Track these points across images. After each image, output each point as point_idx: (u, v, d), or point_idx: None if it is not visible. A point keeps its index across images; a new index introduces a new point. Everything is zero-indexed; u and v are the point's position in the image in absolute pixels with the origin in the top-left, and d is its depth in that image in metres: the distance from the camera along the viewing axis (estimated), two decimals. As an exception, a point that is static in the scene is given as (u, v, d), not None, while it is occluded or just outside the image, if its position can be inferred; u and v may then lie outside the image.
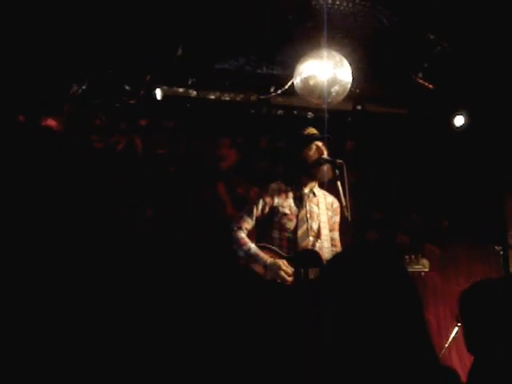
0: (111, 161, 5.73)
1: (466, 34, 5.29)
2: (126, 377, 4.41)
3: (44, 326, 4.41)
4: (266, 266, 4.19)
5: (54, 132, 5.46)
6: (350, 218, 4.16)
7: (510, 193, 6.50)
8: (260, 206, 4.42)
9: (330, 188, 4.49)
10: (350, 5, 4.91)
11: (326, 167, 4.37)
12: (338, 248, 4.54)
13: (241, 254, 4.30)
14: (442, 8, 4.93)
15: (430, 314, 5.88)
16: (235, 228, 4.38)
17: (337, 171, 4.28)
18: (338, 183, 4.24)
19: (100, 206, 5.25)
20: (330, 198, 4.60)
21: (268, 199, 4.42)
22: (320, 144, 4.45)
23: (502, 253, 5.71)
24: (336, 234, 4.59)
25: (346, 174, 4.23)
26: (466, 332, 2.45)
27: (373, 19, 5.15)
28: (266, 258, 4.22)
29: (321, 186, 4.61)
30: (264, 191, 4.48)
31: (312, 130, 4.57)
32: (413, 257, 4.65)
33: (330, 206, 4.57)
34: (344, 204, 4.20)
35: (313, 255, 4.28)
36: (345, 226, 4.42)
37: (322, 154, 4.39)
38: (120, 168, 5.74)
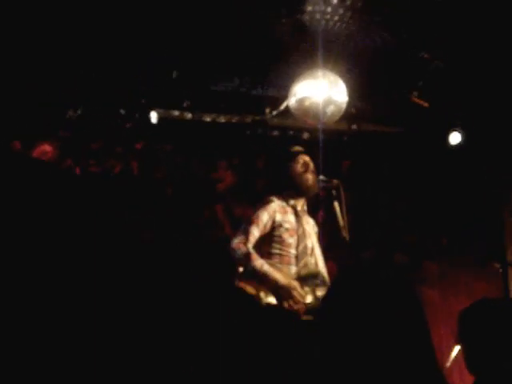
0: (108, 184, 5.72)
1: (460, 52, 5.31)
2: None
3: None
4: (278, 285, 3.98)
5: (50, 157, 5.46)
6: (347, 238, 4.11)
7: (509, 209, 6.50)
8: (265, 220, 4.21)
9: (327, 208, 4.46)
10: (344, 25, 4.94)
11: (310, 178, 4.28)
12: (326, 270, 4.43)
13: (250, 269, 4.05)
14: (436, 27, 4.96)
15: (431, 332, 5.84)
16: (243, 241, 4.16)
17: (333, 191, 4.24)
18: (335, 203, 4.19)
19: (97, 230, 5.23)
20: (312, 221, 4.51)
21: (272, 213, 4.27)
22: (307, 158, 4.37)
23: (501, 270, 5.69)
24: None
25: (342, 194, 4.20)
26: (465, 352, 2.43)
27: (367, 39, 5.18)
28: (280, 276, 3.99)
29: (315, 204, 4.53)
30: (267, 205, 4.34)
31: (297, 148, 4.49)
32: None
33: (313, 228, 4.49)
34: (342, 224, 4.14)
35: (317, 275, 4.20)
36: (343, 247, 4.38)
37: (308, 168, 4.30)
38: (117, 191, 5.73)
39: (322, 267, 4.27)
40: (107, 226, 5.25)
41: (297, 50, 5.15)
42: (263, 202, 4.32)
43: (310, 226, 4.40)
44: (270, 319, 3.98)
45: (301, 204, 4.40)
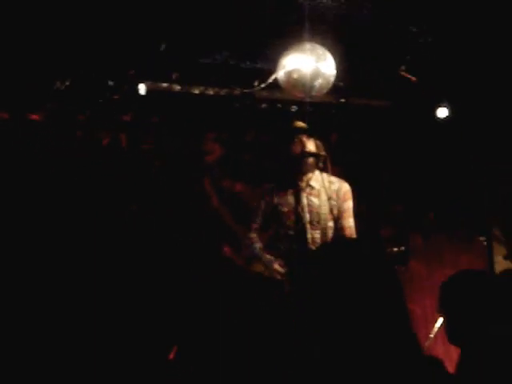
0: (96, 156, 5.72)
1: (449, 26, 5.31)
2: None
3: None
4: (266, 265, 4.30)
5: (38, 126, 5.44)
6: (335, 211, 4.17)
7: (495, 184, 6.54)
8: (263, 207, 4.47)
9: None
10: (333, -1, 4.93)
11: (309, 160, 4.34)
12: (353, 235, 4.43)
13: (253, 251, 4.44)
14: (425, 1, 4.95)
15: (416, 305, 5.92)
16: (249, 236, 4.53)
17: (321, 164, 4.27)
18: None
19: (85, 202, 5.24)
20: (336, 185, 4.49)
21: (268, 199, 4.45)
22: (304, 138, 4.41)
23: (486, 244, 5.75)
24: (348, 222, 4.49)
25: (330, 167, 4.23)
26: (446, 322, 2.47)
27: (356, 12, 5.16)
28: (267, 257, 4.33)
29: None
30: (263, 191, 4.53)
31: (299, 124, 4.53)
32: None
33: (335, 194, 4.47)
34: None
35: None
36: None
37: (305, 147, 4.34)
38: (105, 163, 5.73)
39: (330, 238, 4.35)
40: (96, 198, 5.26)
41: (285, 23, 5.13)
42: (262, 187, 4.50)
43: (324, 196, 4.41)
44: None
45: (305, 180, 4.43)
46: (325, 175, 4.41)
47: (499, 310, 2.31)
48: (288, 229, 4.36)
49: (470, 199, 6.44)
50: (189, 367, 4.61)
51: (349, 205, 4.47)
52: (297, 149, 4.36)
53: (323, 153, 4.28)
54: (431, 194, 6.60)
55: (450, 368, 1.99)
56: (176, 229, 5.65)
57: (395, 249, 4.77)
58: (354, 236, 4.38)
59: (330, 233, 4.38)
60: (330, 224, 4.40)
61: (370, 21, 5.20)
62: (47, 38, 5.03)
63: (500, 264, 5.98)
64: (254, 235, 4.47)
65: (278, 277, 4.19)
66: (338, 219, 4.39)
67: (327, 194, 4.41)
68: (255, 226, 4.49)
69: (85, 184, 5.43)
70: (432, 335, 4.84)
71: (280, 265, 4.22)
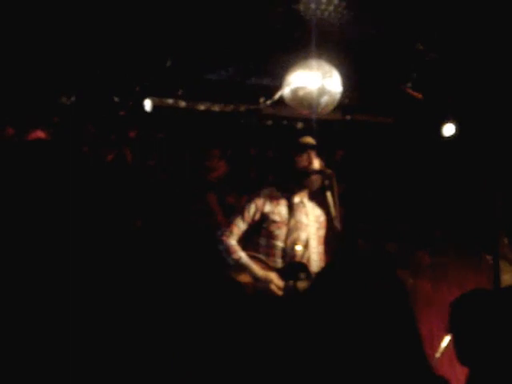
0: (101, 172, 5.71)
1: (454, 43, 5.32)
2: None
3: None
4: (256, 277, 4.09)
5: (43, 143, 5.44)
6: (340, 228, 4.12)
7: (501, 203, 6.51)
8: (252, 211, 4.27)
9: (320, 197, 4.46)
10: (339, 16, 4.93)
11: (314, 177, 4.31)
12: (323, 263, 4.47)
13: (230, 262, 4.17)
14: (431, 18, 4.95)
15: (423, 323, 5.86)
16: (226, 233, 4.19)
17: (326, 181, 4.24)
18: (328, 193, 4.19)
19: (89, 217, 5.22)
20: (318, 211, 4.51)
21: (260, 205, 4.28)
22: (312, 153, 4.38)
23: (492, 262, 5.71)
24: (321, 248, 4.53)
25: (335, 184, 4.20)
26: (455, 342, 2.44)
27: (362, 29, 5.17)
28: (258, 269, 4.13)
29: (311, 195, 4.55)
30: (256, 196, 4.35)
31: (307, 139, 4.50)
32: None
33: (317, 219, 4.50)
34: (334, 214, 4.15)
35: (302, 267, 4.22)
36: (335, 237, 4.38)
37: (311, 163, 4.32)
38: (110, 179, 5.73)
39: (314, 260, 4.29)
40: (100, 214, 5.25)
41: (291, 40, 5.14)
42: (255, 192, 4.35)
43: (312, 217, 4.40)
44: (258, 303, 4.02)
45: (301, 196, 4.39)
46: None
47: (508, 330, 2.28)
48: (274, 239, 4.26)
49: (478, 217, 6.42)
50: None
51: (323, 233, 4.48)
52: (303, 163, 4.32)
53: (329, 170, 4.24)
54: (438, 211, 6.57)
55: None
56: (179, 244, 5.63)
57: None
58: (323, 262, 4.41)
59: (313, 252, 4.33)
60: (314, 244, 4.37)
61: (376, 38, 5.21)
62: (53, 53, 5.05)
63: (507, 283, 5.94)
64: (234, 242, 4.15)
65: (279, 292, 4.07)
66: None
67: (314, 215, 4.42)
68: (237, 231, 4.20)
69: (90, 199, 5.42)
70: (438, 355, 4.80)
71: (277, 278, 4.09)
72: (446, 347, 4.73)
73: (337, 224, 4.11)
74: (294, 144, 4.48)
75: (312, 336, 1.63)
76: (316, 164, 4.31)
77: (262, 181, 6.06)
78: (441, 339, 4.95)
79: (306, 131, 5.29)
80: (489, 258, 5.73)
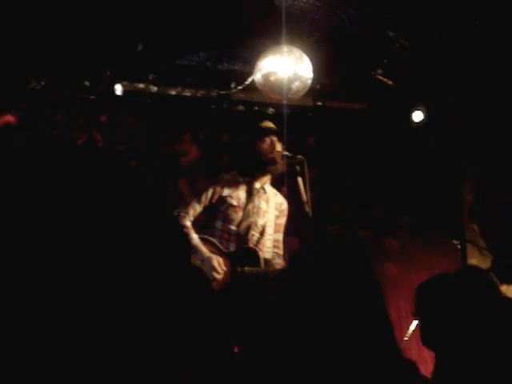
0: (71, 156, 5.67)
1: (425, 30, 5.35)
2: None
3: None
4: (202, 260, 4.10)
5: (12, 128, 5.39)
6: (310, 214, 4.14)
7: (468, 188, 6.60)
8: (209, 194, 4.27)
9: (291, 183, 4.47)
10: (310, 1, 4.93)
11: (276, 162, 4.33)
12: (281, 250, 4.48)
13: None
14: (401, 5, 4.98)
15: (390, 307, 5.94)
16: (181, 214, 4.23)
17: (297, 167, 4.25)
18: (299, 179, 4.20)
19: (58, 202, 5.19)
20: (280, 199, 4.53)
21: (218, 188, 4.29)
22: (274, 138, 4.40)
23: (459, 247, 5.79)
24: (280, 236, 4.51)
25: (306, 170, 4.22)
26: (421, 325, 2.48)
27: (333, 16, 5.18)
28: (205, 251, 4.12)
29: (279, 180, 4.56)
30: (215, 180, 4.35)
31: (268, 124, 4.50)
32: None
33: (278, 206, 4.51)
34: (305, 200, 4.16)
35: (251, 254, 4.23)
36: (306, 222, 4.40)
37: (275, 148, 4.34)
38: (80, 163, 5.69)
39: (267, 247, 4.32)
40: (69, 199, 5.21)
41: (263, 25, 5.14)
42: (215, 176, 4.38)
43: (272, 204, 4.43)
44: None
45: (262, 181, 4.42)
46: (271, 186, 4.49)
47: (472, 313, 2.32)
48: (230, 223, 4.28)
49: (445, 202, 6.49)
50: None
51: (283, 221, 4.51)
52: (266, 149, 4.34)
53: (300, 156, 4.26)
54: (406, 196, 6.63)
55: (424, 371, 2.00)
56: (148, 230, 5.61)
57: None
58: (281, 250, 4.44)
59: (267, 239, 4.36)
60: (270, 232, 4.40)
61: (347, 24, 5.22)
62: (22, 36, 4.98)
63: (474, 267, 6.02)
64: (188, 223, 4.21)
65: (217, 276, 4.04)
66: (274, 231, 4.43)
67: (274, 203, 4.45)
68: (193, 212, 4.25)
69: (59, 183, 5.39)
70: (406, 338, 4.87)
71: (219, 263, 4.09)
72: (414, 331, 4.80)
73: (307, 210, 4.13)
74: (255, 129, 4.49)
75: (282, 322, 1.65)
76: (278, 149, 4.32)
77: (232, 166, 6.06)
78: (408, 323, 5.02)
79: (278, 116, 5.29)
80: (456, 242, 5.81)
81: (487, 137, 6.27)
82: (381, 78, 5.83)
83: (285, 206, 4.50)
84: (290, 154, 4.31)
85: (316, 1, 4.91)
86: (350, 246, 1.72)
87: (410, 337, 4.85)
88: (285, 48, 4.70)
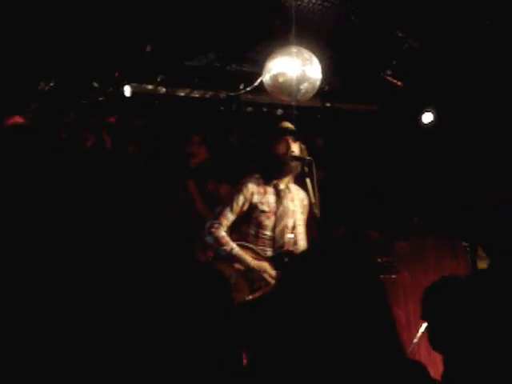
0: (80, 158, 5.68)
1: (435, 31, 5.33)
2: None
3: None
4: (249, 267, 4.09)
5: (21, 129, 5.39)
6: (318, 215, 4.13)
7: (478, 190, 6.56)
8: (240, 202, 4.25)
9: (299, 184, 4.47)
10: (319, 2, 4.92)
11: (294, 163, 4.32)
12: (305, 244, 4.48)
13: (221, 253, 4.16)
14: (411, 6, 4.96)
15: (400, 309, 5.92)
16: (215, 225, 4.20)
17: (306, 168, 4.24)
18: (307, 180, 4.20)
19: (67, 203, 5.19)
20: (302, 194, 4.52)
21: (248, 195, 4.27)
22: (290, 139, 4.38)
23: (469, 249, 5.76)
24: (305, 231, 4.55)
25: (315, 171, 4.21)
26: (429, 328, 2.47)
27: (342, 17, 5.17)
28: (250, 259, 4.13)
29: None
30: (242, 186, 4.32)
31: (286, 124, 4.50)
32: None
33: (302, 203, 4.52)
34: (313, 201, 4.15)
35: (291, 256, 4.22)
36: (314, 223, 4.38)
37: (290, 149, 4.33)
38: (89, 165, 5.69)
39: (301, 246, 4.32)
40: (79, 200, 5.21)
41: (272, 26, 5.13)
42: (241, 182, 4.35)
43: (297, 201, 4.44)
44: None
45: (285, 182, 4.42)
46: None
47: (480, 316, 2.31)
48: (263, 229, 4.27)
49: (455, 204, 6.46)
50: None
51: (306, 217, 4.50)
52: (282, 149, 4.33)
53: (308, 157, 4.25)
54: (416, 198, 6.61)
55: (434, 373, 1.99)
56: (159, 231, 5.62)
57: (381, 259, 4.72)
58: (305, 243, 4.42)
59: (301, 238, 4.36)
60: (301, 230, 4.40)
61: (356, 25, 5.21)
62: (31, 38, 5.00)
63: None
64: (224, 233, 4.18)
65: (272, 281, 4.06)
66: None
67: (299, 200, 4.45)
68: (227, 222, 4.22)
69: (68, 185, 5.39)
70: (416, 340, 4.85)
71: (270, 268, 4.09)
72: (424, 333, 4.78)
73: (316, 211, 4.12)
74: (273, 130, 4.48)
75: (290, 323, 1.64)
76: (295, 149, 4.32)
77: (242, 168, 6.05)
78: (418, 325, 5.00)
79: (286, 118, 5.28)
80: (465, 244, 5.78)
81: (487, 137, 6.25)
82: (390, 79, 5.81)
83: (306, 201, 4.48)
84: (298, 155, 4.31)
85: (325, 2, 4.90)
86: (353, 246, 1.70)
87: (419, 339, 4.84)
88: (293, 49, 4.69)
